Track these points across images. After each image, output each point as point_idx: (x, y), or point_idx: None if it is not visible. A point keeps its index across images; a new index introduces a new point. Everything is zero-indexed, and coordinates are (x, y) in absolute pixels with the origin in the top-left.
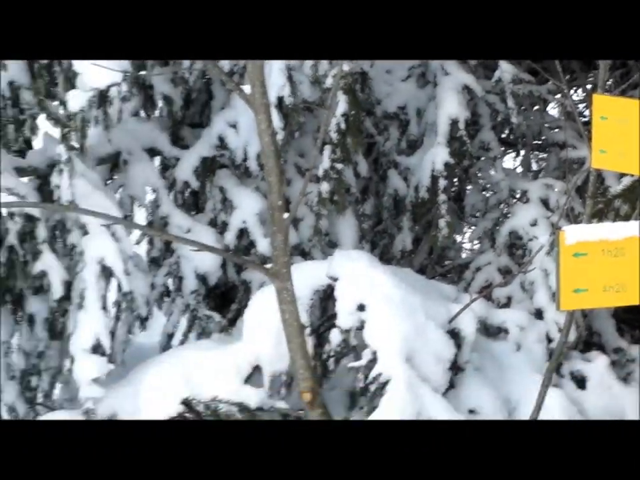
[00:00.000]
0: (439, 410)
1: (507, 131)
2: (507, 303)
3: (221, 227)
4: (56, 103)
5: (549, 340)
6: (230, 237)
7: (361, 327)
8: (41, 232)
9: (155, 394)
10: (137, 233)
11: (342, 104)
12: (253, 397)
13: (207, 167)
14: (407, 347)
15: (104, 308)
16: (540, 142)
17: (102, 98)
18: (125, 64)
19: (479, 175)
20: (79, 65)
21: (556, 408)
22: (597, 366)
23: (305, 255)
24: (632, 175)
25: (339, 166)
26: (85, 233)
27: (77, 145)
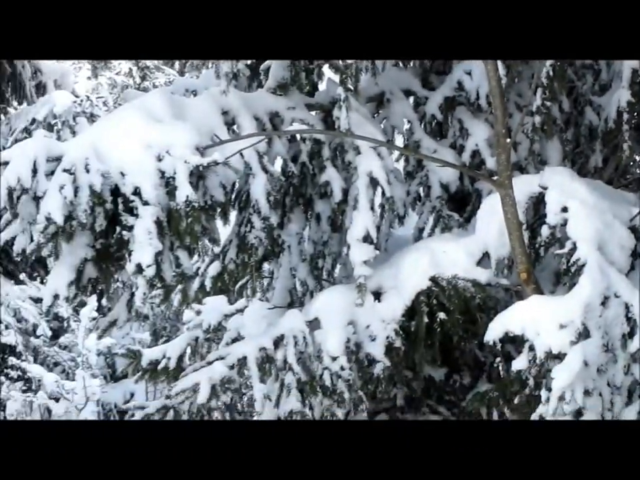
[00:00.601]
0: (622, 286)
1: None
2: None
3: (459, 149)
4: None
5: None
6: (466, 156)
7: (564, 224)
8: (326, 152)
9: (410, 273)
10: (396, 153)
11: None
12: (483, 275)
13: (449, 104)
14: (598, 238)
15: (372, 209)
16: None
17: None
18: None
19: None
20: None
21: None
22: None
23: (522, 170)
24: None
25: (548, 103)
26: (358, 152)
27: (352, 87)
